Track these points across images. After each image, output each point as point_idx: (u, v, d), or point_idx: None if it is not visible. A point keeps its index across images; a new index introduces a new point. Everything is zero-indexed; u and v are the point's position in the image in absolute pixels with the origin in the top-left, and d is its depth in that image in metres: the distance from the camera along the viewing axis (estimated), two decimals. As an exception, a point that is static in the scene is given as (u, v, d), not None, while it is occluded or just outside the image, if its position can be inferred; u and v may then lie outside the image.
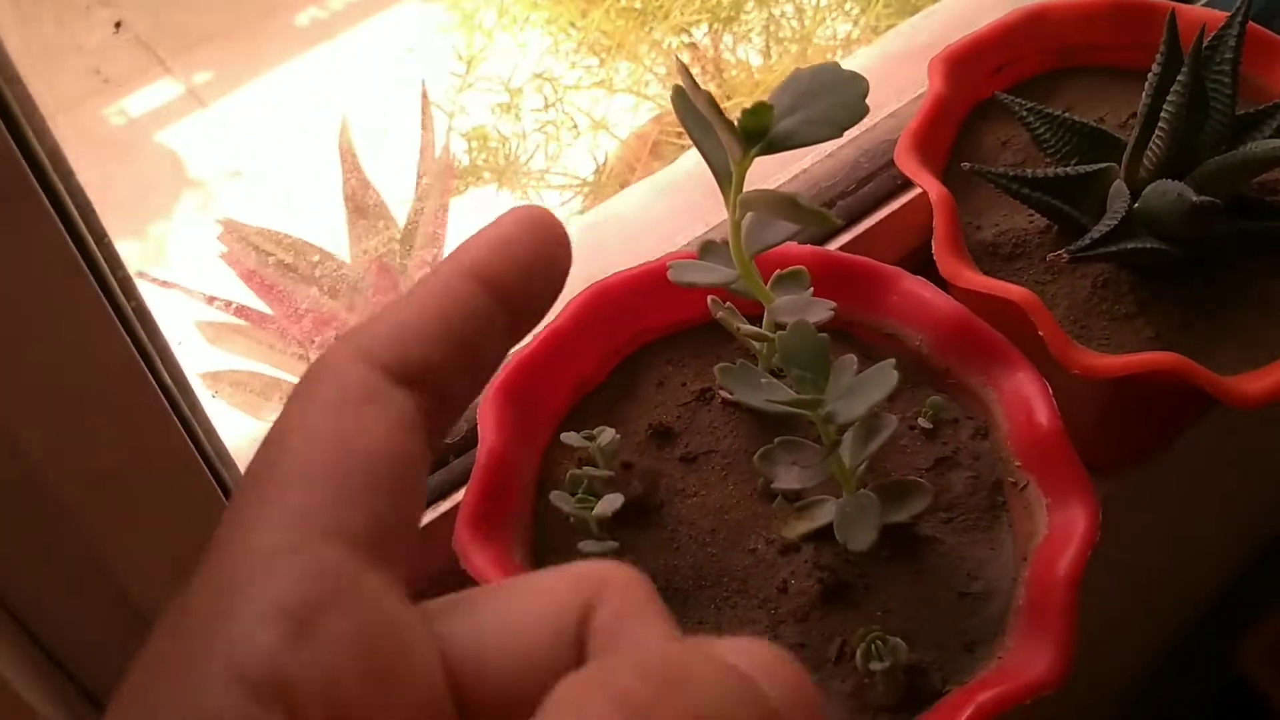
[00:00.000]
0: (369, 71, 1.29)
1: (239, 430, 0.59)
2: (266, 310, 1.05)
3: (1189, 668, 1.11)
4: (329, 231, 1.13)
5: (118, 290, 0.40)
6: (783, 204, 0.41)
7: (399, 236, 1.13)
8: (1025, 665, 0.46)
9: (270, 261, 1.06)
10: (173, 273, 1.17)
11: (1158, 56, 0.57)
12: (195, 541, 0.47)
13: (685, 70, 0.40)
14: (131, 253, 1.25)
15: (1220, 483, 0.95)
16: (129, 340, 0.40)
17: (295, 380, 0.90)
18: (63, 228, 0.36)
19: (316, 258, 1.08)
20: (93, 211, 0.39)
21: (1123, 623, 0.93)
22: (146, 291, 0.92)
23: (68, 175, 0.38)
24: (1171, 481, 0.80)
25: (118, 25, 0.43)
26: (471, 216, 1.21)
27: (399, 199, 1.14)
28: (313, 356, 1.03)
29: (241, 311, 1.04)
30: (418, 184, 1.17)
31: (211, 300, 1.02)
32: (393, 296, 1.05)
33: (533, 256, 0.26)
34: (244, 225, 1.07)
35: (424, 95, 1.16)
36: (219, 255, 1.07)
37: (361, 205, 1.12)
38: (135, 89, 1.40)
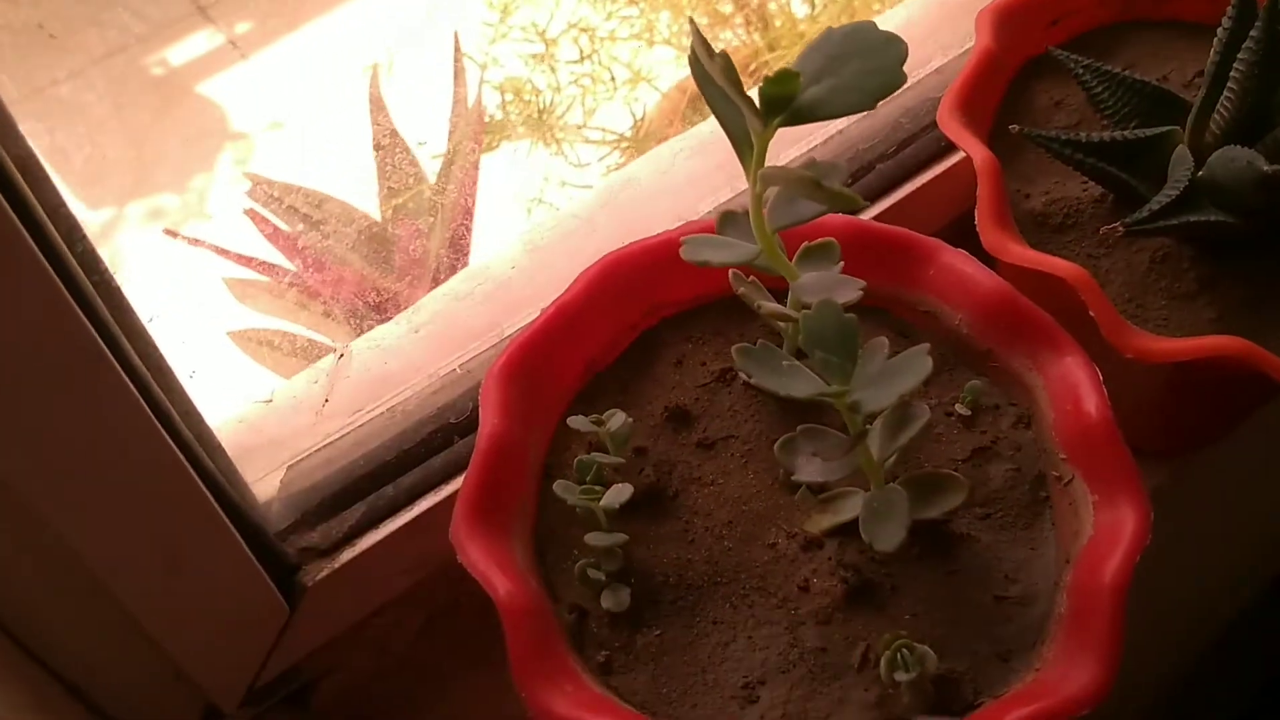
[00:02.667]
0: (406, 21, 1.26)
1: (242, 408, 0.57)
2: (291, 267, 1.03)
3: (1239, 656, 1.07)
4: (361, 186, 1.10)
5: (75, 265, 0.37)
6: (805, 184, 0.37)
7: (429, 193, 1.10)
8: (1065, 679, 0.42)
9: (297, 218, 1.03)
10: (211, 226, 1.15)
11: (1229, 10, 0.52)
12: (172, 526, 0.45)
13: (698, 32, 0.36)
14: (171, 206, 1.23)
15: (1274, 470, 0.91)
16: (87, 322, 0.36)
17: (321, 338, 0.87)
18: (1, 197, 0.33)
19: (344, 214, 1.06)
20: (46, 179, 0.36)
21: (1172, 609, 0.89)
22: (176, 250, 0.90)
23: (14, 141, 0.34)
24: (1229, 467, 0.75)
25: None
26: (503, 172, 1.17)
27: (430, 153, 1.11)
28: (338, 313, 1.01)
29: (267, 269, 1.02)
30: (449, 138, 1.13)
31: (233, 256, 1.00)
32: (418, 254, 1.02)
33: None
34: (272, 181, 1.05)
35: (456, 46, 1.13)
36: (244, 211, 1.05)
37: (392, 160, 1.09)
38: (176, 39, 1.37)
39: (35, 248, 0.34)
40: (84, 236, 0.38)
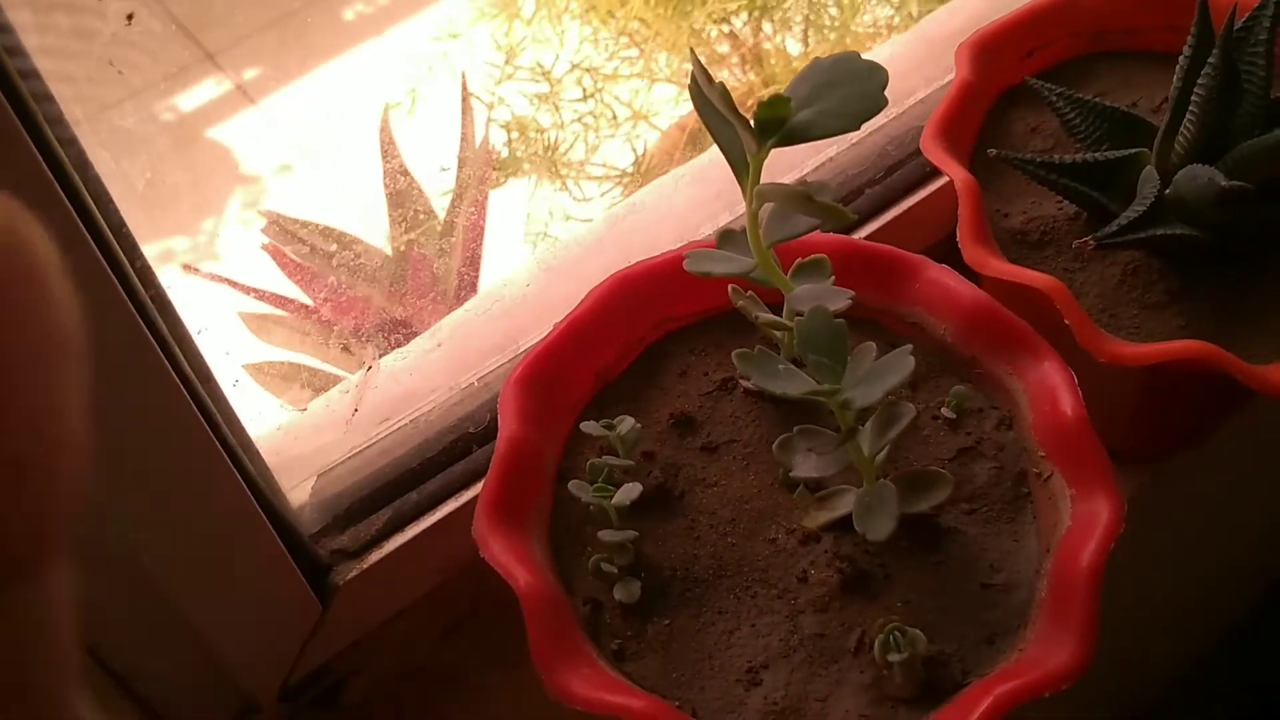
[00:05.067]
0: (414, 65, 1.30)
1: (276, 420, 0.60)
2: (307, 301, 1.06)
3: (1239, 660, 1.09)
4: (372, 223, 1.14)
5: (135, 280, 0.40)
6: (797, 198, 0.41)
7: (439, 228, 1.13)
8: (1045, 657, 0.45)
9: (311, 253, 1.07)
10: (223, 266, 1.19)
11: (1188, 39, 0.56)
12: (215, 529, 0.48)
13: (698, 62, 0.40)
14: (182, 248, 1.27)
15: (1269, 472, 0.94)
16: (146, 330, 0.40)
17: (336, 371, 0.90)
18: (77, 218, 0.36)
19: (356, 249, 1.09)
20: (110, 202, 0.40)
21: (1168, 614, 0.92)
22: (193, 285, 0.93)
23: (84, 167, 0.38)
24: (1218, 470, 0.78)
25: (129, 18, 0.43)
26: (511, 208, 1.21)
27: (440, 190, 1.14)
28: (353, 347, 1.04)
29: (283, 303, 1.05)
30: (458, 175, 1.17)
31: (251, 291, 1.03)
32: (429, 287, 1.06)
33: None
34: (286, 217, 1.08)
35: (464, 86, 1.17)
36: (261, 247, 1.08)
37: (402, 197, 1.13)
38: (185, 86, 1.41)
39: (104, 261, 0.38)
40: (142, 254, 0.42)
